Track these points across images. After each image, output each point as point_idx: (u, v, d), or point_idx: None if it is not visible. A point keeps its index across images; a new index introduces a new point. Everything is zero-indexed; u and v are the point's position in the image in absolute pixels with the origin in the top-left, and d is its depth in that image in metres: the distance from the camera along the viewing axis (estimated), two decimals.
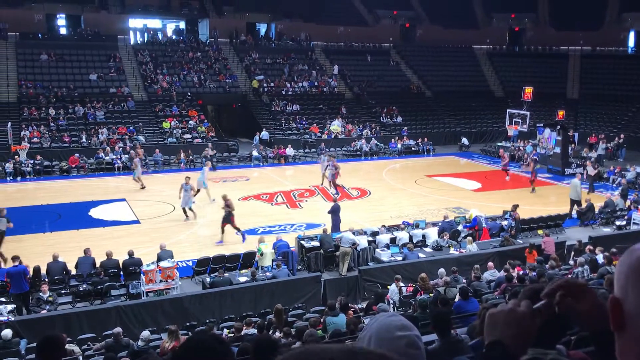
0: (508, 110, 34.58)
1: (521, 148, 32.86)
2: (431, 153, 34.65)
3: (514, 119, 33.46)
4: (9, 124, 29.19)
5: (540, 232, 18.41)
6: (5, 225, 16.34)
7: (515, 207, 18.17)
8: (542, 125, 34.13)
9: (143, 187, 24.32)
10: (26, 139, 29.33)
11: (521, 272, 12.68)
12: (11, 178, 26.30)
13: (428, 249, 15.98)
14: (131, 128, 32.47)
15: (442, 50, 46.75)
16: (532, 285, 1.48)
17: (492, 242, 16.67)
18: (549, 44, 48.17)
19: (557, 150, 29.29)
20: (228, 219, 17.39)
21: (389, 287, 12.75)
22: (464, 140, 36.37)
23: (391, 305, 11.93)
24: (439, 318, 6.08)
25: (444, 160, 33.07)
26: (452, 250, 15.70)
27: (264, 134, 34.68)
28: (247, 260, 15.20)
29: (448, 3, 47.45)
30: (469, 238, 16.11)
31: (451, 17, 47.19)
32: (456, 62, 46.09)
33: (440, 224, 17.47)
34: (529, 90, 34.56)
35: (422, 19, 49.97)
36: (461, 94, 42.42)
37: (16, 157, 27.20)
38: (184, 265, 15.44)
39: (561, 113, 33.60)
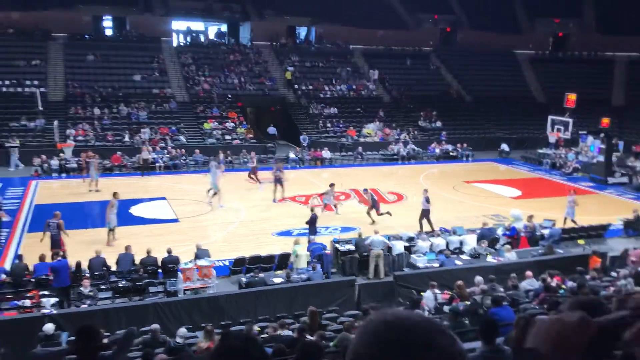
0: (550, 117, 33.93)
1: (562, 155, 32.17)
2: (470, 159, 34.23)
3: (556, 126, 32.82)
4: (56, 122, 30.10)
5: (580, 241, 18.02)
6: None
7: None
8: (585, 132, 33.37)
9: (97, 190, 23.70)
10: (71, 137, 30.19)
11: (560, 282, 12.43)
12: (57, 175, 27.15)
13: (465, 256, 15.79)
14: (173, 128, 33.07)
15: (483, 55, 46.11)
16: (582, 298, 1.43)
17: (531, 250, 16.38)
18: (594, 50, 47.04)
19: (600, 158, 28.55)
20: None
21: (423, 293, 12.65)
22: (504, 147, 35.80)
23: (426, 312, 11.83)
24: (488, 324, 5.99)
25: (483, 166, 32.63)
26: (489, 258, 15.48)
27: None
28: (282, 261, 15.30)
29: (490, 7, 46.84)
30: (507, 246, 15.87)
31: (493, 21, 46.52)
32: (497, 67, 45.44)
33: (479, 231, 17.25)
34: (572, 96, 33.83)
35: (464, 23, 49.43)
36: (502, 100, 41.75)
37: (61, 154, 28.04)
38: (221, 264, 15.63)
39: (605, 120, 32.80)
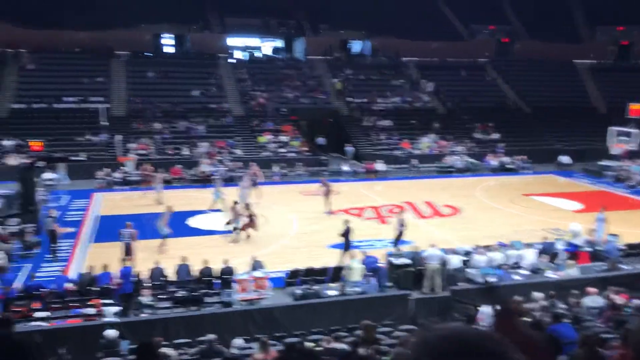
0: (610, 128, 32.76)
1: (626, 168, 30.91)
2: (528, 171, 33.38)
3: (619, 137, 31.66)
4: (119, 136, 31.23)
5: None
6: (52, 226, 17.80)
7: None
8: None
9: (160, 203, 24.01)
10: (133, 151, 31.24)
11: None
12: (119, 187, 28.11)
13: (524, 271, 15.37)
14: (229, 142, 33.76)
15: (541, 65, 45.03)
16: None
17: (594, 266, 15.78)
18: None
19: None
20: None
21: (480, 308, 12.37)
22: (564, 159, 34.76)
23: (483, 328, 11.57)
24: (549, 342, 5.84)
25: (542, 178, 31.75)
26: (549, 273, 15.02)
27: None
28: (336, 274, 15.29)
29: (548, 16, 45.82)
30: (571, 261, 15.35)
31: (551, 30, 45.46)
32: (556, 77, 44.24)
33: (539, 245, 16.78)
34: (635, 106, 32.61)
35: (521, 33, 48.50)
36: (561, 110, 40.57)
37: (123, 167, 29.03)
38: (275, 276, 15.76)
39: None
